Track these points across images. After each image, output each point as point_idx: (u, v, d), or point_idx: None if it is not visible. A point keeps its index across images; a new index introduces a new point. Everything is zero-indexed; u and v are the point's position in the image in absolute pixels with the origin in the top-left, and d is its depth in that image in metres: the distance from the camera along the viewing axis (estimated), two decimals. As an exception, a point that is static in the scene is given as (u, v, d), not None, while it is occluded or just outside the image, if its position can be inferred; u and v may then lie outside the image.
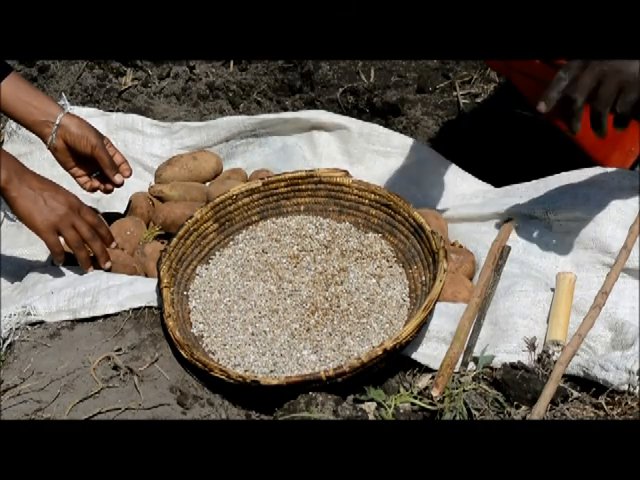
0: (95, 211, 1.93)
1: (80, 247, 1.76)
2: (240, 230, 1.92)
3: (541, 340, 1.62)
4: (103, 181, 1.91)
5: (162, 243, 1.92)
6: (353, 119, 2.22)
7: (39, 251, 1.97)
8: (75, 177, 1.90)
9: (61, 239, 1.76)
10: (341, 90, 2.64)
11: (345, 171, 1.94)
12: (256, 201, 1.92)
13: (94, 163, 1.88)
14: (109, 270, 1.81)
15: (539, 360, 1.57)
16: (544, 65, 1.85)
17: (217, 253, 1.87)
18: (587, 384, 1.54)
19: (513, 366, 1.56)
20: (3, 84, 1.80)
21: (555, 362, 1.55)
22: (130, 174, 1.92)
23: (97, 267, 1.80)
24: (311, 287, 1.75)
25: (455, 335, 1.63)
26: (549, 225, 1.85)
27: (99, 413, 1.51)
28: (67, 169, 1.90)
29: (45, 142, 1.86)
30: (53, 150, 1.86)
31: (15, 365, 1.62)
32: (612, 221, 1.77)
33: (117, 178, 1.89)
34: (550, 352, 1.58)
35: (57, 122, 1.83)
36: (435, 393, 1.53)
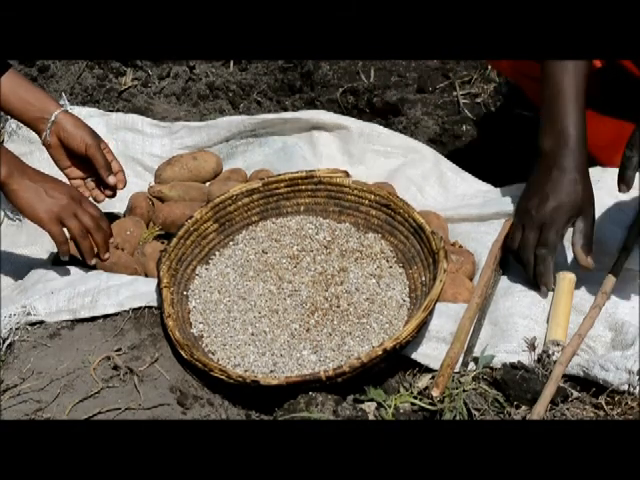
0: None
1: (84, 236, 1.74)
2: (240, 230, 1.91)
3: (541, 340, 1.62)
4: (98, 186, 1.90)
5: (162, 243, 1.92)
6: (353, 119, 2.21)
7: (39, 251, 1.97)
8: (69, 179, 1.88)
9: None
10: (341, 90, 2.64)
11: (345, 171, 1.94)
12: (256, 201, 1.92)
13: (89, 165, 1.87)
14: (108, 264, 1.80)
15: (539, 360, 1.57)
16: None
17: (217, 253, 1.87)
18: (587, 384, 1.54)
19: (513, 366, 1.56)
20: (1, 80, 1.80)
21: (555, 362, 1.55)
22: (124, 186, 1.90)
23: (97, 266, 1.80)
24: (311, 287, 1.75)
25: (455, 335, 1.63)
26: (549, 225, 1.85)
27: (99, 413, 1.51)
28: (62, 168, 1.88)
29: (40, 138, 1.85)
30: (47, 146, 1.85)
31: (15, 365, 1.62)
32: (612, 221, 1.77)
33: (111, 179, 1.86)
34: (550, 352, 1.57)
35: (52, 118, 1.82)
36: (435, 393, 1.53)
